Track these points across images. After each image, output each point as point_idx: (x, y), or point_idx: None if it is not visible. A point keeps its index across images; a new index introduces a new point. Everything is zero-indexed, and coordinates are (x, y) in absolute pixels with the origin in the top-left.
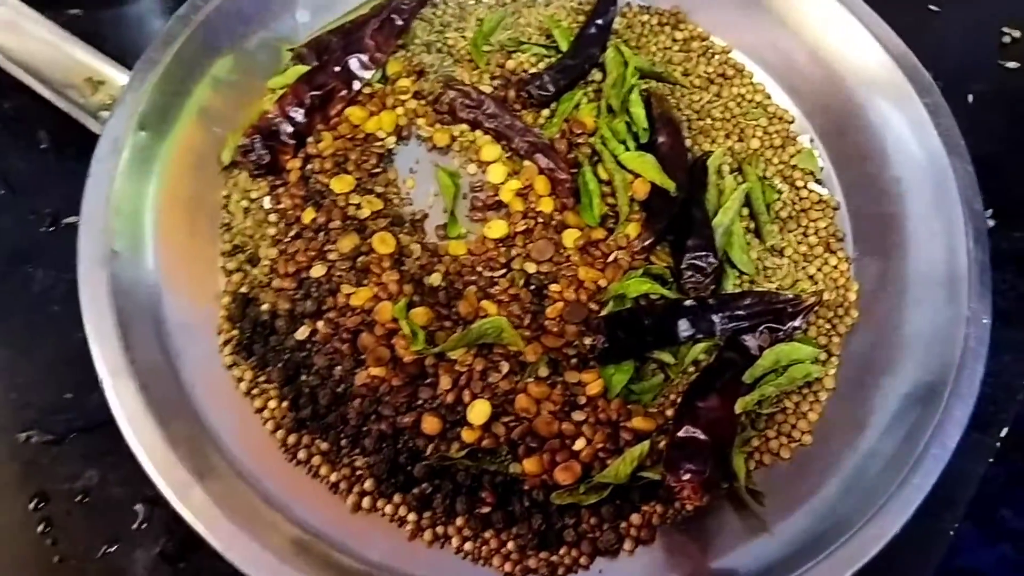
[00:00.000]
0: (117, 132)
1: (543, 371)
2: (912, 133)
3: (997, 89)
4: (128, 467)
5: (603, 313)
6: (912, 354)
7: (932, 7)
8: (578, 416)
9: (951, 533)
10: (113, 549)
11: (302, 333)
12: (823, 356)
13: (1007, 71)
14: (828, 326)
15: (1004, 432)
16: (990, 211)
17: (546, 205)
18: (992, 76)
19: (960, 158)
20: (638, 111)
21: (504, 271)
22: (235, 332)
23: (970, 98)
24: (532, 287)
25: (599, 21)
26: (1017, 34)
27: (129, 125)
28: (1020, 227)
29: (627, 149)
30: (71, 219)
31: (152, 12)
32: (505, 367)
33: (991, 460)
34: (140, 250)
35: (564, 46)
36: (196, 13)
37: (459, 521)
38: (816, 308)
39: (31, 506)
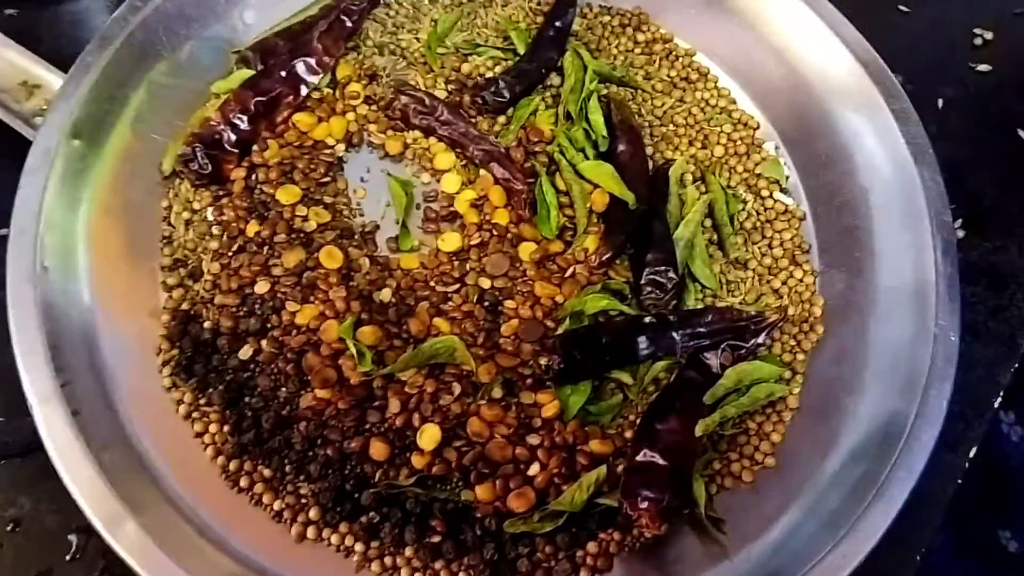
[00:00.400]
0: (49, 141)
1: (497, 392)
2: (879, 141)
3: (968, 93)
4: (62, 495)
5: (560, 331)
6: (879, 372)
7: (902, 8)
8: (533, 440)
9: (918, 558)
10: None
11: (245, 353)
12: (787, 374)
13: (978, 74)
14: (793, 342)
15: (973, 452)
16: (960, 220)
17: (501, 217)
18: (963, 79)
19: (928, 167)
20: (597, 118)
21: (458, 286)
22: (175, 352)
23: (940, 102)
24: (486, 303)
25: (558, 23)
26: (989, 35)
27: (62, 133)
28: (991, 237)
29: (586, 158)
30: (2, 231)
31: (91, 12)
32: (457, 389)
33: (960, 481)
34: (72, 266)
35: (522, 49)
36: (134, 14)
37: (408, 551)
38: (780, 324)
39: None
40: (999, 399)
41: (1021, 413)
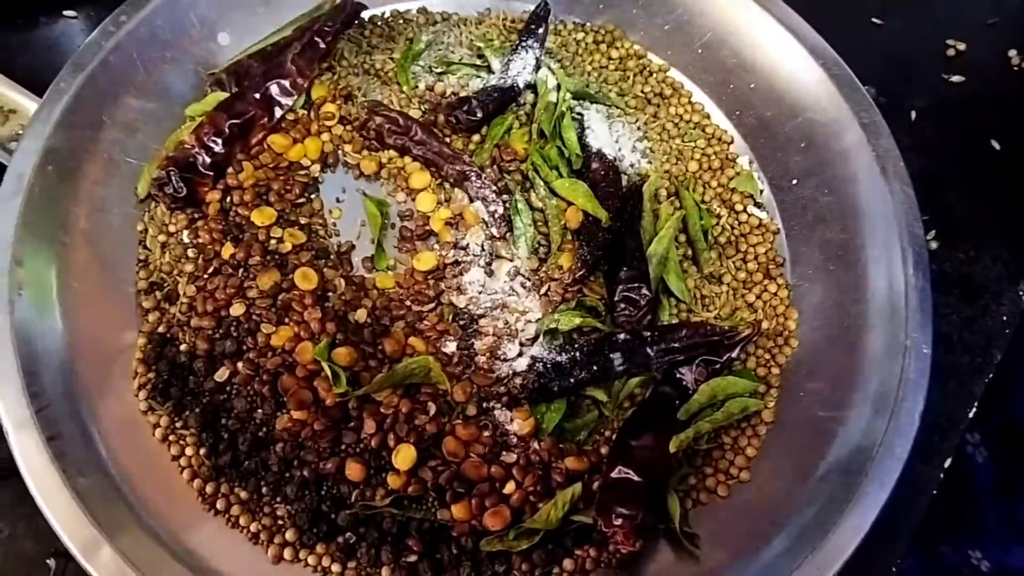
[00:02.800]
0: (23, 168)
1: (471, 410)
2: (851, 155)
3: (941, 104)
4: (40, 520)
5: (536, 347)
6: (852, 386)
7: (875, 20)
8: (508, 458)
9: (893, 569)
10: None
11: (221, 375)
12: (762, 388)
13: (951, 85)
14: (767, 356)
15: (948, 462)
16: (933, 231)
17: (476, 235)
18: (936, 91)
19: (900, 180)
20: (571, 136)
21: (433, 305)
22: (151, 375)
23: (913, 114)
24: (461, 322)
25: (531, 41)
26: (962, 47)
27: (35, 160)
28: (964, 247)
29: (560, 176)
30: None
31: (67, 36)
32: (432, 408)
33: (935, 492)
34: (47, 292)
35: (496, 66)
36: (108, 39)
37: (385, 571)
38: (754, 338)
39: None
40: (973, 410)
41: (987, 435)
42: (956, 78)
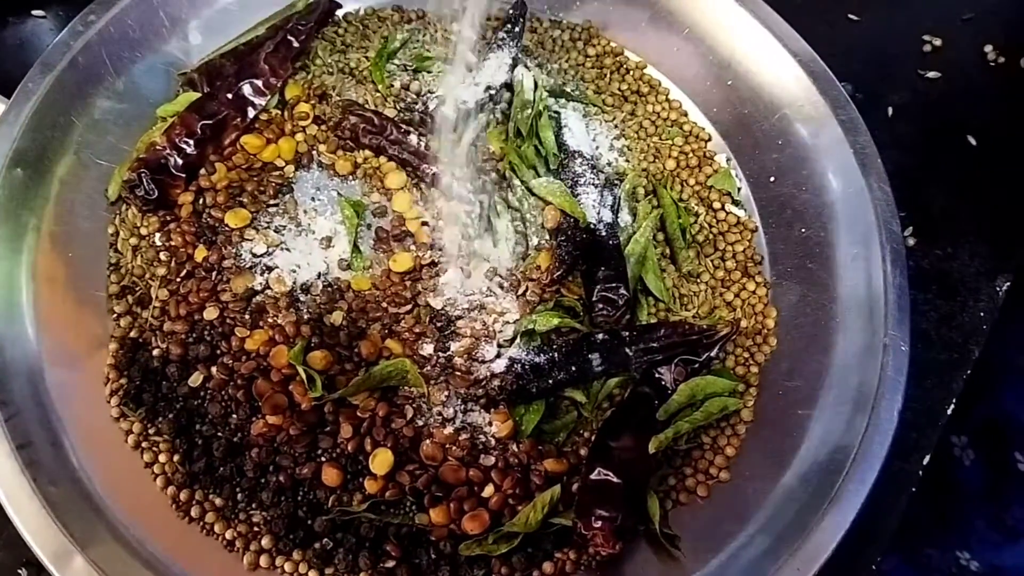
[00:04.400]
0: None
1: (449, 413)
2: (828, 152)
3: (917, 100)
4: (10, 530)
5: (513, 349)
6: (831, 384)
7: (851, 16)
8: (486, 460)
9: (873, 568)
10: None
11: (195, 380)
12: (741, 387)
13: (928, 81)
14: (746, 355)
15: (927, 460)
16: (910, 228)
17: (453, 236)
18: (913, 86)
19: (877, 177)
20: (548, 135)
21: (410, 307)
22: (123, 381)
23: (890, 110)
24: (439, 324)
25: (507, 39)
26: (938, 42)
27: (3, 163)
28: (942, 243)
29: (537, 175)
30: None
31: (37, 35)
32: (410, 412)
33: (913, 489)
34: (16, 297)
35: (471, 60)
36: (76, 39)
37: None
38: (733, 337)
39: None
40: (952, 406)
41: (973, 436)
42: (932, 74)
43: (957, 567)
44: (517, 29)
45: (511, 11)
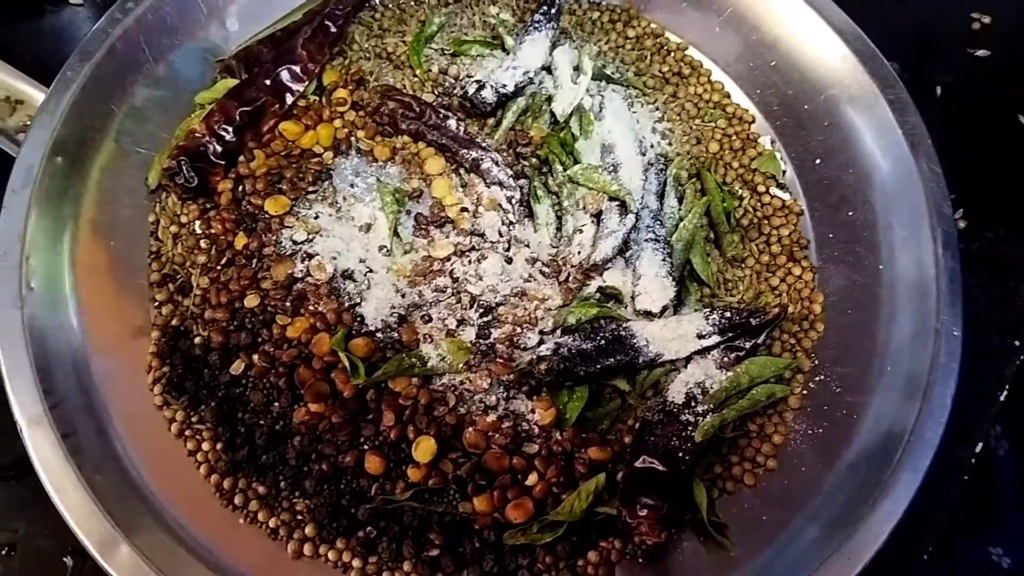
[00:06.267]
0: (31, 160)
1: (491, 401)
2: (876, 132)
3: (967, 79)
4: (55, 518)
5: (554, 338)
6: (880, 370)
7: None
8: (530, 448)
9: (925, 558)
10: None
11: (237, 368)
12: (788, 373)
13: (977, 59)
14: (792, 341)
15: (979, 448)
16: (960, 211)
17: (493, 221)
18: (961, 66)
19: (927, 158)
20: (588, 118)
21: (450, 293)
22: (165, 369)
23: (939, 90)
24: (480, 310)
25: (544, 21)
26: (987, 19)
27: (44, 151)
28: (993, 227)
29: (577, 160)
30: None
31: (74, 24)
32: (452, 399)
33: (966, 477)
34: (59, 286)
35: (510, 44)
36: (115, 26)
37: (407, 566)
38: (780, 322)
39: None
40: (1005, 392)
41: (1008, 427)
42: (982, 52)
43: (989, 564)
44: (553, 11)
45: None
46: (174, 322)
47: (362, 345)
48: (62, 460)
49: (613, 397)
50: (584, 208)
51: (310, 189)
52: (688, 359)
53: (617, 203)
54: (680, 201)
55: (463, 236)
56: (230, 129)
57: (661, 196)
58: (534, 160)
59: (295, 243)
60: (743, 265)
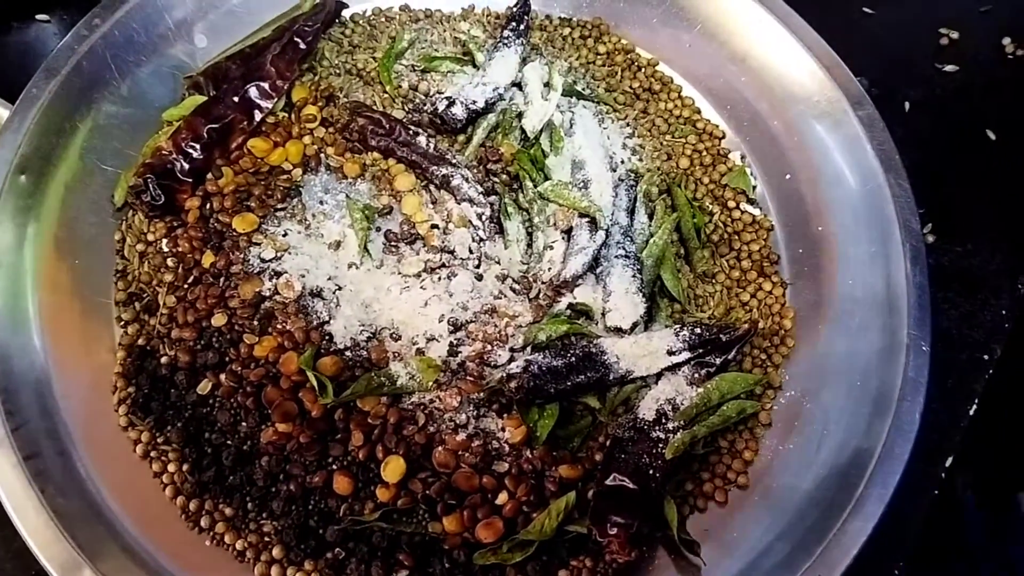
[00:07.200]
0: None
1: (461, 419)
2: (845, 148)
3: (935, 95)
4: (17, 541)
5: (524, 356)
6: (851, 385)
7: (866, 9)
8: (500, 467)
9: (896, 573)
10: None
11: (204, 387)
12: (759, 389)
13: (945, 75)
14: (763, 356)
15: (949, 462)
16: (929, 226)
17: (463, 238)
18: (929, 81)
19: (896, 174)
20: (558, 135)
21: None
22: (131, 389)
23: (907, 105)
24: (450, 327)
25: (513, 37)
26: (955, 35)
27: (8, 169)
28: (962, 241)
29: (547, 177)
30: None
31: (41, 40)
32: (421, 418)
33: (936, 492)
34: (22, 306)
35: (480, 60)
36: (81, 43)
37: None
38: (750, 338)
39: None
40: (974, 407)
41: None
42: (950, 67)
43: None
44: (522, 27)
45: (514, 8)
46: (140, 341)
47: (330, 364)
48: (24, 483)
49: (584, 414)
50: (554, 225)
51: (279, 206)
52: (659, 375)
53: (587, 219)
54: (650, 217)
55: (433, 253)
56: (197, 146)
57: (631, 212)
58: (504, 176)
59: (263, 261)
60: (714, 281)
